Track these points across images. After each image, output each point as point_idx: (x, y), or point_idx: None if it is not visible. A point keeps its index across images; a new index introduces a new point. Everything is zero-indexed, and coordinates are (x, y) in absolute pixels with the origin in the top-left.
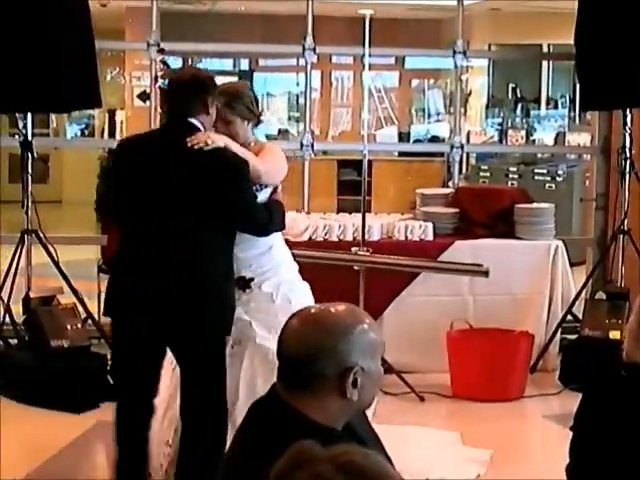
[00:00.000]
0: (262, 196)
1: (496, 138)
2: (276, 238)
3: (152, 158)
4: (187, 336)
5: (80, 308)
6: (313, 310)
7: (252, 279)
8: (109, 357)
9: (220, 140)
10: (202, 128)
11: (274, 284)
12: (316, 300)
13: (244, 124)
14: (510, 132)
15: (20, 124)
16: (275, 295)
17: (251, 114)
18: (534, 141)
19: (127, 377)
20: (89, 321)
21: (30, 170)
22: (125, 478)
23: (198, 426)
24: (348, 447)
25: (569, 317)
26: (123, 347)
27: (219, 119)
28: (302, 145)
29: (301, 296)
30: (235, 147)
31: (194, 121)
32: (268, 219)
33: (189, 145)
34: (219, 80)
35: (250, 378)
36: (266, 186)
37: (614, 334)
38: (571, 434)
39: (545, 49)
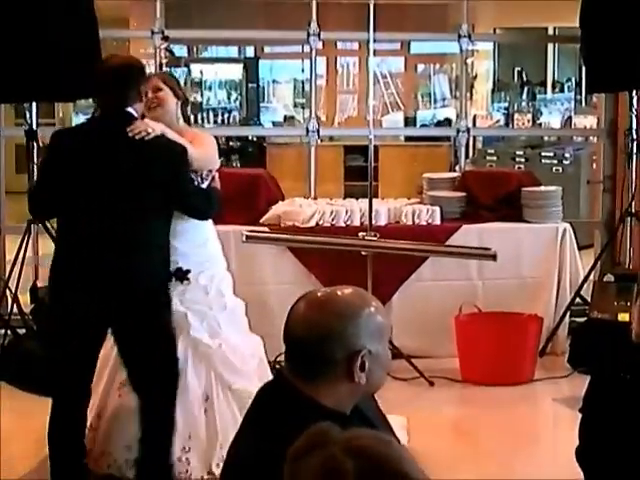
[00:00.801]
0: (204, 185)
1: (502, 122)
2: (211, 232)
3: (92, 149)
4: (128, 314)
5: None
6: (320, 294)
7: (189, 271)
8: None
9: (158, 128)
10: (138, 116)
11: (209, 277)
12: (324, 286)
13: (174, 99)
14: (516, 116)
15: (27, 114)
16: (209, 287)
17: (180, 92)
18: (540, 124)
19: (68, 362)
20: None
21: (36, 160)
22: (62, 467)
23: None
24: (364, 431)
25: (578, 300)
26: (65, 331)
27: (149, 88)
28: (308, 131)
29: (230, 289)
30: (171, 134)
31: (130, 110)
32: (207, 204)
33: (130, 135)
34: (225, 68)
35: (181, 369)
36: (207, 176)
37: (623, 316)
38: (580, 416)
39: (550, 32)
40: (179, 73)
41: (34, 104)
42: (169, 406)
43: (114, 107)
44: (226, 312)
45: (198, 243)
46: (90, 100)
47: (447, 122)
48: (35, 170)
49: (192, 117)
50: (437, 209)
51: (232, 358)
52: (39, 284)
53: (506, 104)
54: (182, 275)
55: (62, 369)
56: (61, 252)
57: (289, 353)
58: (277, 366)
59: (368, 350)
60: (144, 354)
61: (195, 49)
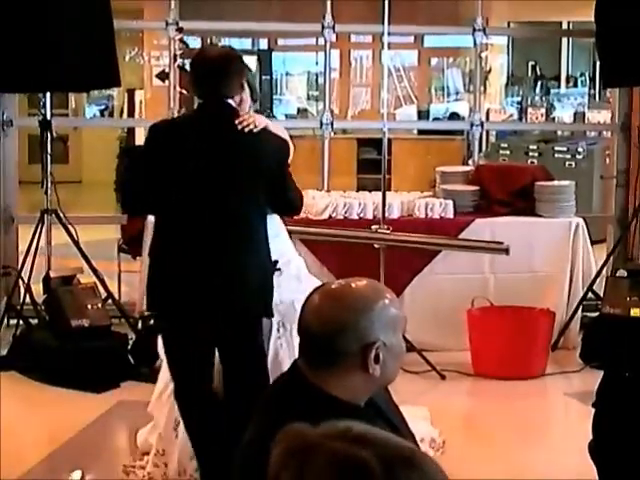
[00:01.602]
0: None
1: (515, 116)
2: (280, 223)
3: (197, 142)
4: (236, 323)
5: (100, 288)
6: (334, 286)
7: (277, 261)
8: (129, 337)
9: (263, 121)
10: (237, 107)
11: (295, 265)
12: (336, 278)
13: (249, 98)
14: (530, 110)
15: (42, 105)
16: (300, 276)
17: (254, 90)
18: (554, 119)
19: (185, 375)
20: (109, 300)
21: (50, 150)
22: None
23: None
24: (337, 422)
25: (590, 295)
26: (179, 347)
27: None
28: (322, 123)
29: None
30: (273, 128)
31: (231, 102)
32: (300, 200)
33: (240, 127)
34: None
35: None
36: None
37: (635, 311)
38: (593, 411)
39: (565, 26)
40: None
41: (48, 94)
42: None
43: (216, 98)
44: None
45: (276, 233)
46: (103, 91)
47: (457, 117)
48: (49, 160)
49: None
50: (450, 202)
51: None
52: (52, 274)
53: (519, 98)
54: (274, 267)
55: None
56: (165, 253)
57: (303, 345)
58: None
59: (382, 342)
60: (243, 366)
61: (209, 41)
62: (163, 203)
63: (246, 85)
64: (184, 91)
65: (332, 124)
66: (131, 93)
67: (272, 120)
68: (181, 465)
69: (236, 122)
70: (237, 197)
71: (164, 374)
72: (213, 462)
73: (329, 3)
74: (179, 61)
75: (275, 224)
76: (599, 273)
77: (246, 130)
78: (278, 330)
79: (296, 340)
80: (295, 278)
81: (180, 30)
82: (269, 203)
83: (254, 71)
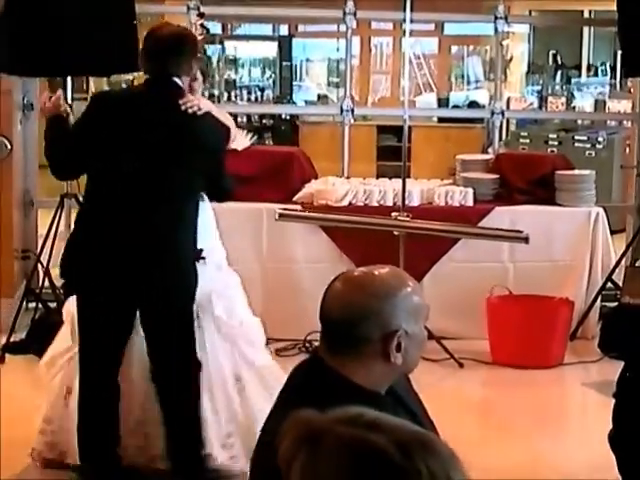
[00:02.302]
0: None
1: (536, 105)
2: (209, 208)
3: (138, 115)
4: (159, 300)
5: None
6: (357, 273)
7: (202, 250)
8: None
9: (207, 105)
10: (185, 88)
11: (218, 254)
12: (355, 265)
13: (201, 84)
14: (550, 99)
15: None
16: (221, 264)
17: (204, 77)
18: (574, 108)
19: (97, 345)
20: None
21: None
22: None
23: (173, 387)
24: (348, 408)
25: (609, 284)
26: (94, 314)
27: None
28: (342, 110)
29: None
30: (217, 113)
31: (178, 81)
32: (232, 188)
33: (183, 108)
34: (259, 46)
35: (212, 349)
36: None
37: None
38: (613, 401)
39: (586, 15)
40: (213, 50)
41: (69, 78)
42: (193, 397)
43: (163, 75)
44: (237, 288)
45: (205, 221)
46: (122, 76)
47: (476, 105)
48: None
49: (226, 94)
50: (470, 191)
51: (251, 335)
52: None
53: (539, 87)
54: (198, 255)
55: (91, 360)
56: (88, 223)
57: (325, 332)
58: (307, 345)
59: (404, 330)
60: (169, 341)
61: (229, 26)
62: (96, 172)
63: (200, 78)
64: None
65: (353, 111)
66: None
67: (290, 105)
68: (72, 434)
69: (180, 102)
70: (172, 175)
71: (63, 340)
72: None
73: None
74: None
75: (206, 212)
76: (618, 263)
77: (189, 111)
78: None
79: (207, 330)
80: (216, 267)
81: (201, 15)
82: (204, 187)
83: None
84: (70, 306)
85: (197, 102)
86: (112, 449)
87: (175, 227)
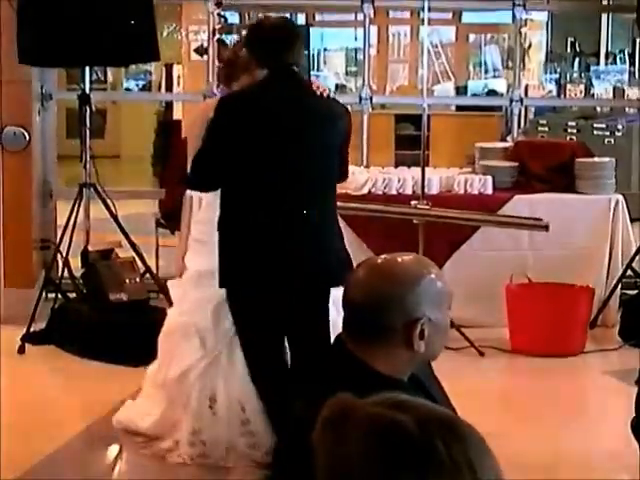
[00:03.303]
0: None
1: (554, 93)
2: None
3: (284, 113)
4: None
5: (138, 262)
6: (380, 260)
7: None
8: (167, 311)
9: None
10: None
11: None
12: (375, 254)
13: None
14: (568, 86)
15: (81, 79)
16: None
17: None
18: (593, 96)
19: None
20: (147, 275)
21: (88, 124)
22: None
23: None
24: (386, 393)
25: (629, 272)
26: (264, 320)
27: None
28: (361, 99)
29: None
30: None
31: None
32: None
33: (319, 93)
34: None
35: None
36: None
37: None
38: (635, 389)
39: (605, 2)
40: (231, 40)
41: (87, 69)
42: None
43: (287, 68)
44: None
45: None
46: (141, 66)
47: (494, 94)
48: (88, 134)
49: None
50: (489, 179)
51: None
52: (90, 248)
53: (557, 75)
54: None
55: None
56: (247, 233)
57: (347, 319)
58: None
59: (428, 318)
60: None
61: (247, 16)
62: (243, 176)
63: None
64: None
65: (371, 99)
66: (169, 68)
67: None
68: (229, 442)
69: (314, 87)
70: (325, 163)
71: (186, 353)
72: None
73: None
74: (217, 35)
75: None
76: (638, 250)
77: (325, 95)
78: None
79: None
80: None
81: (219, 4)
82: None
83: None
84: (188, 321)
85: (324, 86)
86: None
87: (331, 217)
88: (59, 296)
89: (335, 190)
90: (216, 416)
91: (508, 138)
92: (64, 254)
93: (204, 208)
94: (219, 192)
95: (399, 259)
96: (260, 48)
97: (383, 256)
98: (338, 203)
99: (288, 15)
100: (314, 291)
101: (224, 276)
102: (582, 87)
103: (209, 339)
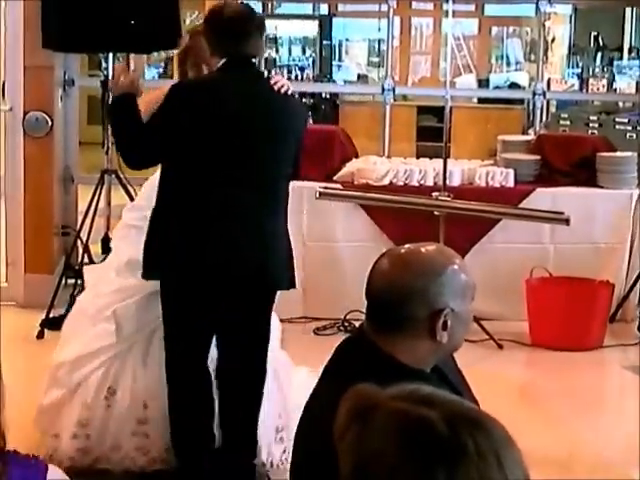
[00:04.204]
0: None
1: (577, 87)
2: None
3: (236, 103)
4: (254, 294)
5: None
6: (403, 251)
7: None
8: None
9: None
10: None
11: None
12: (395, 245)
13: None
14: (591, 81)
15: (104, 65)
16: None
17: None
18: (615, 90)
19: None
20: None
21: None
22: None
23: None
24: (405, 385)
25: None
26: (191, 313)
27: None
28: (384, 89)
29: None
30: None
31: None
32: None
33: (276, 88)
34: (300, 25)
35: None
36: None
37: None
38: None
39: None
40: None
41: (110, 55)
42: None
43: (247, 57)
44: None
45: None
46: (162, 53)
47: (516, 87)
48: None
49: (266, 73)
50: (511, 171)
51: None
52: (110, 235)
53: (580, 70)
54: None
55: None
56: (183, 222)
57: (371, 310)
58: (346, 324)
59: (451, 309)
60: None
61: (270, 5)
62: (185, 165)
63: None
64: None
65: (394, 90)
66: None
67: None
68: (116, 439)
69: (272, 82)
70: (276, 160)
71: (93, 336)
72: (193, 442)
73: None
74: None
75: None
76: None
77: (282, 91)
78: None
79: None
80: None
81: None
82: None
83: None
84: (103, 307)
85: (285, 82)
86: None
87: (279, 217)
88: (79, 282)
89: (284, 189)
90: (110, 409)
91: (530, 131)
92: (84, 240)
93: (140, 195)
94: (151, 180)
95: (422, 250)
96: (217, 36)
97: (406, 246)
98: (359, 193)
99: (311, 5)
100: (250, 292)
101: (152, 264)
102: (604, 81)
103: (126, 327)
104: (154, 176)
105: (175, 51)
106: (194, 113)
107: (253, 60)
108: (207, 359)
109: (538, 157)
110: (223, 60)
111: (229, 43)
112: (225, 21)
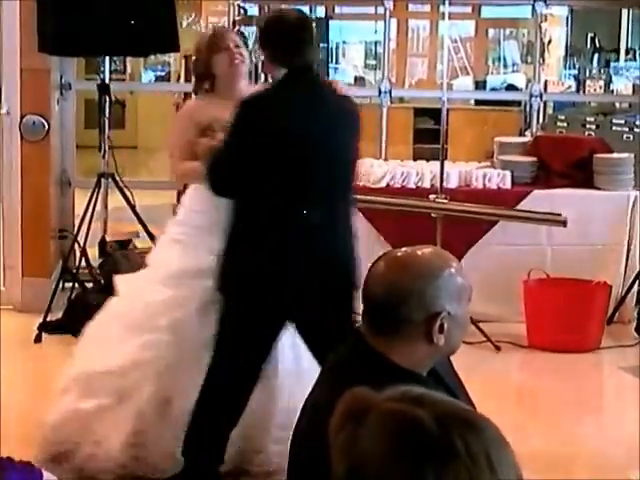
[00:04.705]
0: None
1: (573, 88)
2: None
3: (304, 119)
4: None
5: None
6: (400, 253)
7: None
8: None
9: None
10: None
11: None
12: (392, 247)
13: None
14: (588, 82)
15: (101, 69)
16: None
17: None
18: (612, 91)
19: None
20: None
21: (107, 114)
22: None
23: None
24: (403, 387)
25: None
26: (258, 329)
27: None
28: (380, 92)
29: None
30: None
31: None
32: None
33: (338, 91)
34: None
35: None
36: None
37: None
38: None
39: None
40: (250, 32)
41: (107, 59)
42: None
43: (308, 67)
44: None
45: None
46: (159, 57)
47: (513, 89)
48: (107, 124)
49: (263, 75)
50: (508, 173)
51: None
52: (108, 238)
53: (576, 71)
54: None
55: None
56: (268, 242)
57: (367, 312)
58: None
59: (447, 312)
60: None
61: (266, 8)
62: (261, 180)
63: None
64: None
65: (391, 92)
66: (188, 59)
67: None
68: (170, 448)
69: (332, 86)
70: (345, 167)
71: (147, 346)
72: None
73: None
74: (237, 27)
75: None
76: None
77: (342, 93)
78: None
79: None
80: None
81: None
82: None
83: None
84: (152, 317)
85: (342, 84)
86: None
87: (350, 224)
88: (76, 286)
89: (352, 191)
90: (165, 418)
91: (527, 133)
92: (82, 244)
93: (181, 211)
94: (192, 195)
95: (419, 252)
96: (278, 47)
97: (403, 249)
98: (357, 196)
99: (307, 8)
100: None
101: (233, 278)
102: (601, 83)
103: (180, 338)
104: (192, 189)
105: (173, 54)
106: (269, 126)
107: (315, 67)
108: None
109: (535, 159)
110: (284, 70)
111: (292, 53)
112: (286, 31)
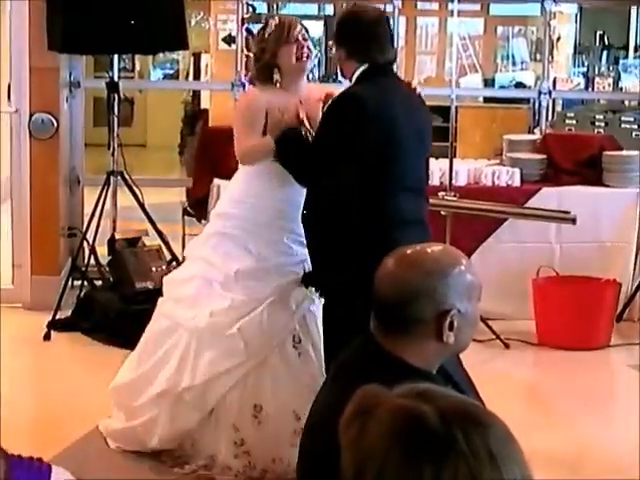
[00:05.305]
0: None
1: (582, 86)
2: None
3: (399, 117)
4: None
5: (165, 250)
6: (409, 251)
7: None
8: None
9: None
10: None
11: None
12: None
13: None
14: (597, 80)
15: (110, 66)
16: None
17: None
18: (621, 89)
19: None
20: (174, 263)
21: (116, 111)
22: None
23: None
24: (413, 384)
25: None
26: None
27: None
28: None
29: None
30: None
31: None
32: None
33: (413, 90)
34: (306, 25)
35: None
36: None
37: None
38: None
39: None
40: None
41: (116, 57)
42: None
43: (389, 64)
44: None
45: None
46: (168, 55)
47: (522, 86)
48: (116, 121)
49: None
50: (517, 171)
51: None
52: (117, 236)
53: (585, 69)
54: None
55: None
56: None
57: (377, 311)
58: None
59: (457, 309)
60: None
61: (275, 6)
62: (355, 177)
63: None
64: (250, 54)
65: None
66: (197, 57)
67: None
68: (277, 452)
69: (407, 83)
70: (423, 163)
71: (218, 358)
72: None
73: None
74: (246, 25)
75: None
76: None
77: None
78: None
79: None
80: None
81: None
82: None
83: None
84: (223, 326)
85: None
86: None
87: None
88: (85, 284)
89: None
90: (262, 425)
91: (536, 131)
92: (91, 242)
93: (227, 203)
94: (242, 187)
95: (429, 250)
96: (358, 42)
97: (412, 247)
98: None
99: (316, 6)
100: None
101: (335, 274)
102: (610, 80)
103: (254, 343)
104: (234, 181)
105: (182, 52)
106: (367, 125)
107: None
108: None
109: (544, 156)
110: (363, 66)
111: (374, 48)
112: (367, 26)
